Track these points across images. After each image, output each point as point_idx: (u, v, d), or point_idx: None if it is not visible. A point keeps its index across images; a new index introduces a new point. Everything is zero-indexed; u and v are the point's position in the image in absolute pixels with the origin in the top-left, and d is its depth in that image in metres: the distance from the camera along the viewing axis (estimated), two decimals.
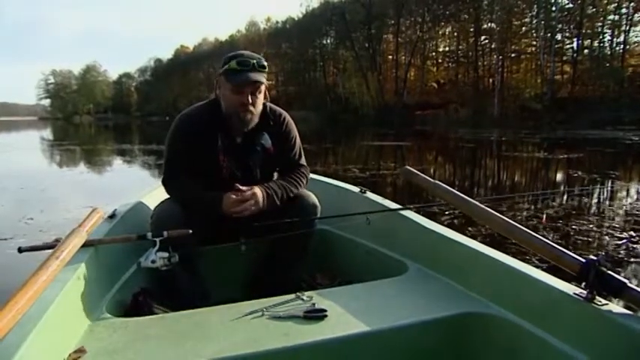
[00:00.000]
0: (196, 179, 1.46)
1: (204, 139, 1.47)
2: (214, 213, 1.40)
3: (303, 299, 1.17)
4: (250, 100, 1.42)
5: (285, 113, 1.60)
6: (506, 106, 30.29)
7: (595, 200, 4.87)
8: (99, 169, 8.70)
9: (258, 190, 1.42)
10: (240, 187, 1.40)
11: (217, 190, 1.42)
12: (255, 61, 1.40)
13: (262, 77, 1.42)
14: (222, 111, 1.48)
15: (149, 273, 1.30)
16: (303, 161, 1.63)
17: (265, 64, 1.44)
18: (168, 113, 70.17)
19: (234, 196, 1.39)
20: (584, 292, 0.94)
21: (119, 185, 6.27)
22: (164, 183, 1.51)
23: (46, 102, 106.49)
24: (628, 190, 5.43)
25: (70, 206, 4.38)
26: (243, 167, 1.50)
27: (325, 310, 1.09)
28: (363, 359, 1.02)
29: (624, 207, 4.33)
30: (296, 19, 53.30)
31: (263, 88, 1.46)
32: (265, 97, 1.51)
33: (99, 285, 1.22)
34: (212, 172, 1.48)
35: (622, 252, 2.84)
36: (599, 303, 0.91)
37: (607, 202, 4.74)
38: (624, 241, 3.02)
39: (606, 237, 3.19)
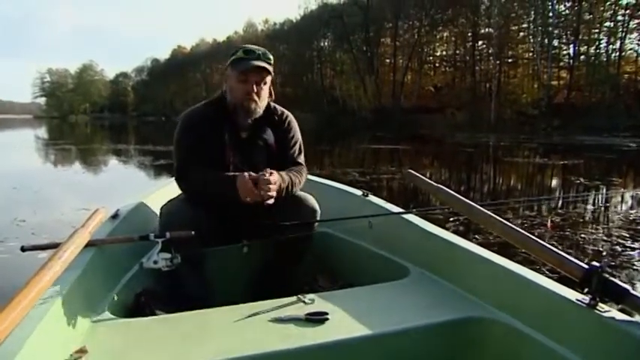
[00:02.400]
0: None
1: (211, 135, 1.47)
2: (229, 193, 1.37)
3: (304, 302, 1.17)
4: (255, 90, 1.44)
5: (288, 112, 1.62)
6: (503, 111, 30.44)
7: (600, 207, 4.84)
8: (94, 170, 8.65)
9: (276, 175, 1.40)
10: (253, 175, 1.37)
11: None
12: (261, 52, 1.45)
13: (268, 66, 1.44)
14: (227, 106, 1.50)
15: (151, 274, 1.30)
16: (301, 160, 1.63)
17: (271, 56, 1.47)
18: (164, 114, 69.97)
19: (247, 176, 1.36)
20: (587, 298, 0.94)
21: (115, 186, 6.20)
22: (178, 178, 1.49)
23: (42, 100, 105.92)
24: (629, 198, 5.43)
25: (64, 208, 4.31)
26: (249, 163, 1.50)
27: (326, 313, 1.09)
28: None
29: (631, 215, 4.28)
30: (294, 21, 53.40)
31: (268, 80, 1.49)
32: (270, 95, 1.54)
33: (101, 285, 1.22)
34: (219, 169, 1.47)
35: (636, 263, 2.80)
36: (602, 309, 0.91)
37: (613, 210, 4.70)
38: (637, 252, 2.99)
39: (617, 247, 3.16)
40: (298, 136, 1.63)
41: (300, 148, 1.63)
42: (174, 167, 1.51)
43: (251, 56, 1.43)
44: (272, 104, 1.57)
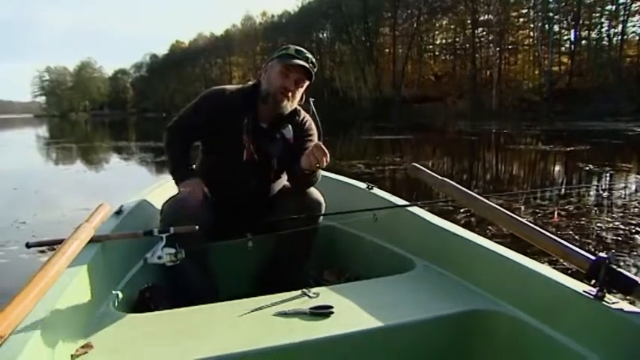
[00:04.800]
0: (219, 156, 1.54)
1: (232, 115, 1.48)
2: (175, 174, 1.54)
3: (309, 296, 1.17)
4: (292, 87, 1.48)
5: (310, 118, 1.64)
6: (504, 98, 30.30)
7: (612, 195, 4.71)
8: (96, 168, 8.63)
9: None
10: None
11: (236, 170, 1.50)
12: (309, 57, 1.50)
13: (311, 73, 1.49)
14: (257, 94, 1.52)
15: (155, 269, 1.29)
16: None
17: (316, 64, 1.52)
18: (165, 109, 69.83)
19: (196, 190, 1.42)
20: (594, 289, 0.92)
21: (117, 185, 6.11)
22: (167, 128, 1.57)
23: (42, 99, 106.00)
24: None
25: (65, 209, 4.24)
26: (263, 152, 1.52)
27: (331, 307, 1.09)
28: (369, 356, 1.02)
29: None
30: (292, 12, 53.08)
31: (305, 85, 1.53)
32: (301, 100, 1.58)
33: (106, 281, 1.22)
34: (233, 151, 1.49)
35: None
36: (610, 301, 0.90)
37: (624, 197, 4.58)
38: None
39: (633, 235, 3.07)
40: (315, 139, 1.61)
41: None
42: (174, 118, 1.57)
43: (300, 56, 1.48)
44: (298, 107, 1.59)
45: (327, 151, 1.36)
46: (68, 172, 7.99)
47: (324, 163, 1.36)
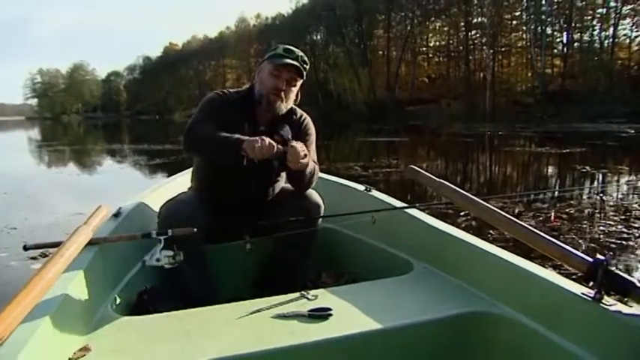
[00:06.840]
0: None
1: (230, 121, 1.48)
2: (233, 153, 1.35)
3: (308, 298, 1.17)
4: (284, 87, 1.48)
5: (307, 116, 1.64)
6: (498, 100, 30.53)
7: (606, 196, 4.69)
8: (89, 171, 8.52)
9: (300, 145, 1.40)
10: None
11: (235, 173, 1.47)
12: (300, 55, 1.50)
13: (302, 71, 1.49)
14: (253, 97, 1.52)
15: (154, 271, 1.29)
16: (315, 160, 1.61)
17: (307, 61, 1.52)
18: (158, 112, 69.59)
19: (258, 140, 1.33)
20: (592, 291, 0.93)
21: (111, 189, 6.00)
22: (185, 134, 1.45)
23: (34, 102, 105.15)
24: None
25: (58, 213, 4.13)
26: None
27: (330, 309, 1.09)
28: (368, 358, 1.02)
29: None
30: (286, 15, 53.16)
31: (299, 83, 1.53)
32: (296, 99, 1.58)
33: (104, 283, 1.21)
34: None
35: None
36: (608, 303, 0.90)
37: (622, 198, 4.58)
38: None
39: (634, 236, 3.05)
40: (314, 139, 1.63)
41: (314, 150, 1.63)
42: (187, 126, 1.48)
43: (290, 55, 1.48)
44: (294, 106, 1.59)
45: (299, 149, 1.36)
46: (61, 175, 7.90)
47: (303, 157, 1.36)
